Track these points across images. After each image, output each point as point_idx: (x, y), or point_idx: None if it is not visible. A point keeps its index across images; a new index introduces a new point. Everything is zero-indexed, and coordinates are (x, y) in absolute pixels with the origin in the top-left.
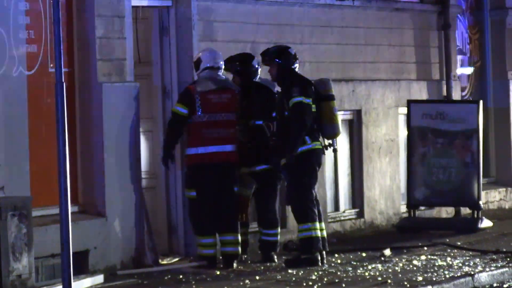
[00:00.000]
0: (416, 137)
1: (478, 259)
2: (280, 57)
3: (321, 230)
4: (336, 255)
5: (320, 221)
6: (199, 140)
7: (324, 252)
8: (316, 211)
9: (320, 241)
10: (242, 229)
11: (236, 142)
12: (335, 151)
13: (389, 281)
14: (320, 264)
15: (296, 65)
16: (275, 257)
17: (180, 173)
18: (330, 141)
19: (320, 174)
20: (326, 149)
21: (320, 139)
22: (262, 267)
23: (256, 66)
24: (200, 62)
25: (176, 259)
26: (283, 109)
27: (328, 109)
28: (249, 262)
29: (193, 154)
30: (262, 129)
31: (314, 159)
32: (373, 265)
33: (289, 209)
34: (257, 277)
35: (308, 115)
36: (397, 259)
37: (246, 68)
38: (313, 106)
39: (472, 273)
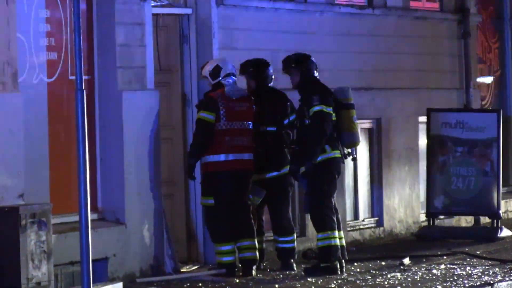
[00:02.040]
0: (436, 146)
1: (497, 269)
2: (301, 65)
3: (340, 238)
4: (355, 264)
5: (339, 230)
6: (220, 147)
7: (343, 261)
8: (335, 219)
9: (339, 250)
10: (257, 238)
11: (253, 150)
12: (354, 160)
13: None
14: (339, 272)
15: (317, 73)
16: (294, 265)
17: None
18: (349, 150)
19: (339, 182)
20: (345, 157)
21: (339, 148)
22: (281, 275)
23: (271, 72)
24: (220, 69)
25: (195, 267)
26: (304, 117)
27: (348, 118)
28: (268, 270)
29: (214, 161)
30: (273, 135)
31: (334, 168)
32: (392, 274)
33: (308, 217)
34: (276, 285)
35: (328, 124)
36: (416, 268)
37: (262, 73)
38: (333, 114)
39: (492, 282)
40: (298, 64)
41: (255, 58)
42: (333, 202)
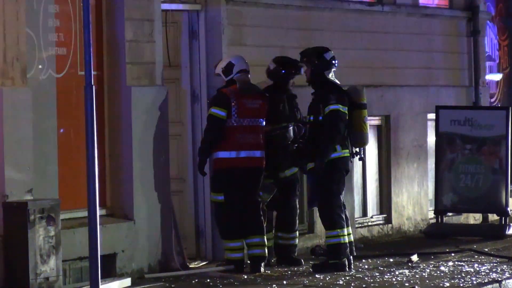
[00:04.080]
0: (444, 143)
1: (505, 266)
2: (311, 59)
3: (348, 234)
4: (364, 260)
5: (347, 226)
6: (231, 144)
7: (351, 257)
8: (344, 217)
9: (347, 247)
10: (267, 235)
11: (264, 148)
12: (361, 159)
13: (416, 286)
14: (347, 269)
15: (333, 69)
16: (302, 260)
17: (208, 176)
18: (357, 149)
19: (348, 179)
20: (353, 156)
21: (349, 147)
22: (289, 272)
23: None
24: (232, 65)
25: (204, 263)
26: (318, 114)
27: (359, 118)
28: (276, 266)
29: (224, 158)
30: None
31: (342, 166)
32: (401, 271)
33: (316, 214)
34: (285, 282)
35: (343, 123)
36: (424, 265)
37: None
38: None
39: (500, 279)
40: (308, 58)
41: (281, 56)
42: (342, 200)
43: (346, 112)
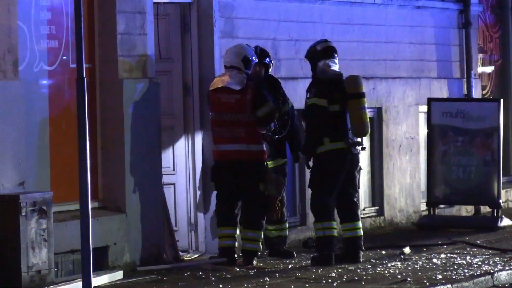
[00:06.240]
0: (437, 135)
1: (497, 258)
2: (309, 51)
3: (353, 229)
4: None
5: (355, 220)
6: (214, 138)
7: (360, 251)
8: (332, 209)
9: (333, 241)
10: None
11: (255, 141)
12: (363, 149)
13: (408, 279)
14: (333, 263)
15: (330, 60)
16: (294, 253)
17: (201, 169)
18: (359, 139)
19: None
20: (354, 147)
21: (345, 139)
22: (282, 264)
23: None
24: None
25: (196, 256)
26: None
27: (354, 108)
28: (268, 259)
29: (213, 150)
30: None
31: (333, 160)
32: (393, 263)
33: (308, 206)
34: (277, 274)
35: (319, 117)
36: (416, 257)
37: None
38: (337, 105)
39: (492, 271)
40: (307, 53)
41: (257, 45)
42: (351, 193)
43: (325, 105)
